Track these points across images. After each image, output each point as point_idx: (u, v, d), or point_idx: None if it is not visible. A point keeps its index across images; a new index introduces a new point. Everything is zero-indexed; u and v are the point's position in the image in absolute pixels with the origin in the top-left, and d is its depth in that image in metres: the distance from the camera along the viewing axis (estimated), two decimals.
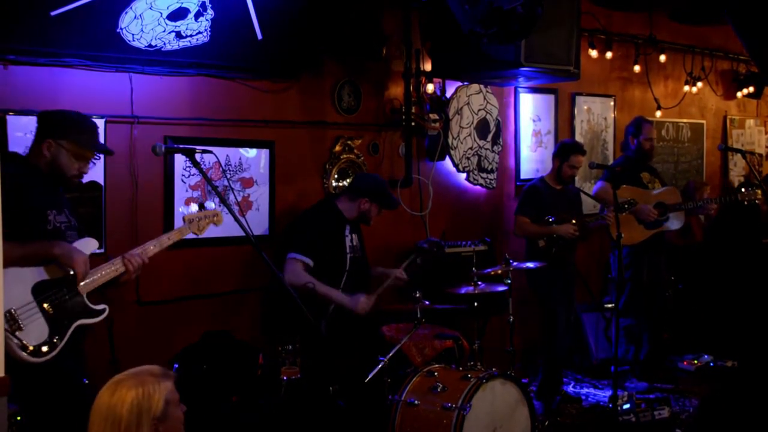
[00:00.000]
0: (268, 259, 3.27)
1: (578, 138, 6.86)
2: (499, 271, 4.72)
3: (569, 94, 6.91)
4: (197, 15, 4.23)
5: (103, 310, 3.23)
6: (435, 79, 5.63)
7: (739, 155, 7.82)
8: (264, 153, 4.91)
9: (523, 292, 5.99)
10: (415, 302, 4.22)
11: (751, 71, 8.44)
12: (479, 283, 4.53)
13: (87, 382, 3.30)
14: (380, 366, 3.95)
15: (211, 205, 3.64)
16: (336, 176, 5.29)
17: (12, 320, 2.88)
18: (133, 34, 4.07)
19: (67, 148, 3.22)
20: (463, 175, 6.04)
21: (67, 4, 3.75)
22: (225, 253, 4.66)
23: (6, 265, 2.55)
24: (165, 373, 2.30)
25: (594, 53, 6.77)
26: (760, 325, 6.22)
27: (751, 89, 8.53)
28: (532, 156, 6.62)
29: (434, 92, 5.63)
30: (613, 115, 7.33)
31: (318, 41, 5.01)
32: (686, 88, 7.92)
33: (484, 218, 6.27)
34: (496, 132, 6.24)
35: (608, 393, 5.60)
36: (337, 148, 5.28)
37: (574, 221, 5.48)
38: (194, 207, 3.65)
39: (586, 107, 7.09)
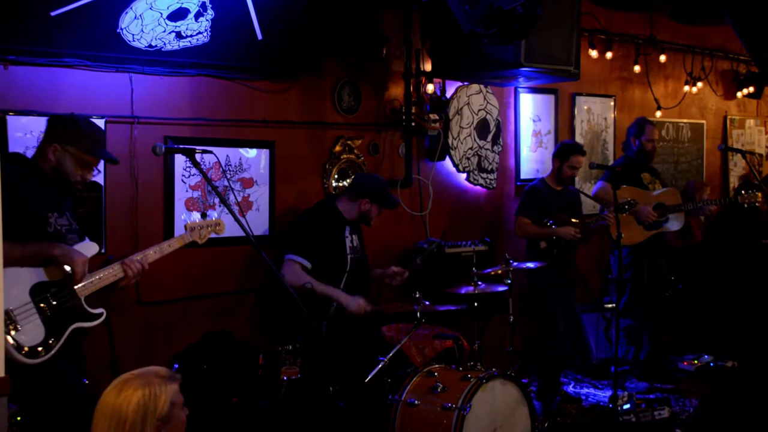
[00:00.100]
0: (268, 259, 3.27)
1: (578, 138, 6.87)
2: (500, 272, 4.72)
3: (569, 95, 6.91)
4: (197, 15, 4.23)
5: (101, 315, 3.22)
6: (435, 80, 5.63)
7: (739, 155, 7.83)
8: (264, 153, 4.91)
9: (523, 293, 6.00)
10: (415, 302, 4.22)
11: (751, 71, 8.44)
12: (479, 283, 4.52)
13: (87, 382, 3.31)
14: (380, 366, 3.95)
15: (213, 214, 3.65)
16: (336, 176, 5.29)
17: (8, 320, 2.87)
18: (133, 35, 4.07)
19: (73, 154, 3.22)
20: (463, 176, 6.04)
21: (67, 5, 3.75)
22: (225, 253, 4.66)
23: (5, 265, 2.55)
24: (171, 375, 2.32)
25: (594, 53, 6.77)
26: (760, 325, 6.22)
27: (751, 89, 8.53)
28: (532, 156, 6.62)
29: (434, 92, 5.62)
30: (613, 116, 7.33)
31: (318, 41, 5.01)
32: (686, 88, 7.92)
33: (485, 218, 6.27)
34: (496, 132, 6.24)
35: (608, 393, 5.60)
36: (337, 148, 5.28)
37: (575, 221, 5.48)
38: (196, 215, 3.66)
39: (586, 107, 7.10)
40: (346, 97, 5.32)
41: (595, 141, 7.17)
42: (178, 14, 4.16)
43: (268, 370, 4.28)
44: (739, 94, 8.63)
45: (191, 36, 4.28)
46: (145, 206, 4.41)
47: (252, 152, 4.86)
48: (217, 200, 4.65)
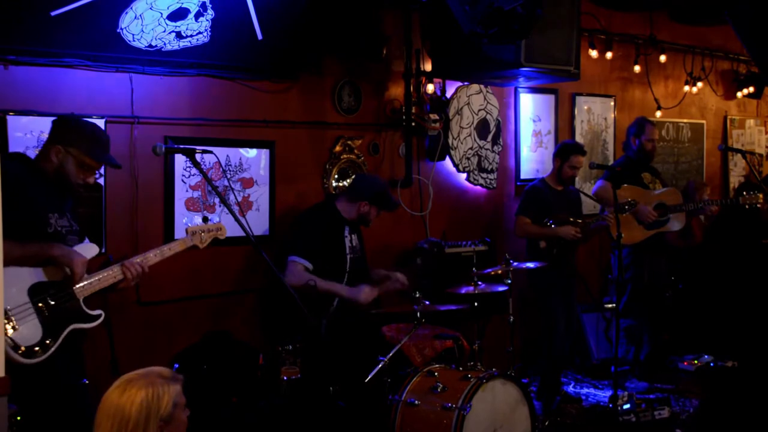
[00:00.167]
0: (268, 259, 3.27)
1: (578, 138, 6.87)
2: (500, 271, 4.72)
3: (569, 95, 6.91)
4: (197, 15, 4.23)
5: (99, 316, 3.22)
6: (435, 80, 5.63)
7: (739, 155, 7.83)
8: (264, 153, 4.91)
9: (523, 293, 6.00)
10: (415, 302, 4.22)
11: (752, 71, 8.43)
12: (479, 283, 4.52)
13: (87, 382, 3.30)
14: (380, 366, 3.95)
15: (215, 217, 3.66)
16: (336, 176, 5.29)
17: (6, 320, 2.87)
18: (133, 35, 4.07)
19: (75, 157, 3.22)
20: (464, 176, 6.04)
21: (67, 5, 3.75)
22: (225, 253, 4.66)
23: (4, 265, 2.55)
24: (174, 375, 2.33)
25: (594, 53, 6.77)
26: (760, 325, 6.22)
27: (752, 89, 8.52)
28: (533, 156, 6.62)
29: (434, 92, 5.62)
30: (613, 116, 7.33)
31: (318, 41, 5.01)
32: (686, 88, 7.92)
33: (485, 218, 6.27)
34: (496, 132, 6.24)
35: (608, 393, 5.60)
36: (338, 148, 5.28)
37: (575, 221, 5.48)
38: (198, 219, 3.67)
39: (586, 107, 7.10)
40: (346, 97, 5.32)
41: (595, 141, 7.17)
42: (178, 14, 4.16)
43: (268, 370, 4.28)
44: (739, 94, 8.63)
45: (191, 36, 4.28)
46: (146, 206, 4.41)
47: (252, 152, 4.86)
48: (217, 200, 4.65)
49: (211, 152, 3.54)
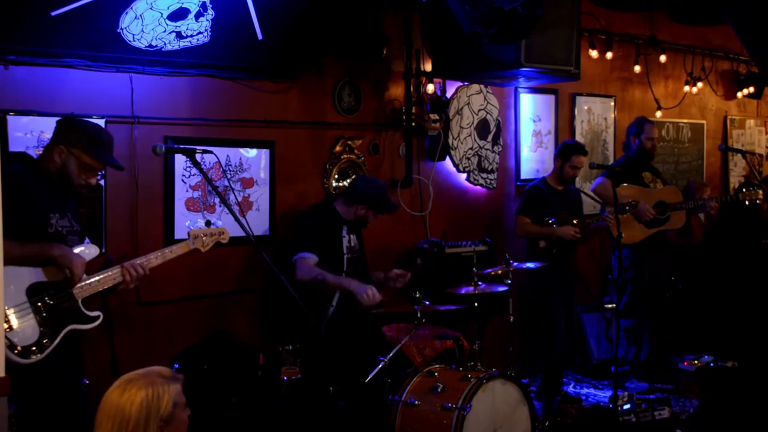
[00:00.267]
0: (268, 259, 3.27)
1: (578, 138, 6.86)
2: (500, 272, 4.72)
3: (569, 95, 6.91)
4: (197, 15, 4.23)
5: (97, 317, 3.21)
6: (435, 80, 5.63)
7: (739, 155, 7.83)
8: (264, 153, 4.91)
9: (523, 293, 6.00)
10: (415, 302, 4.22)
11: (752, 71, 8.44)
12: (479, 283, 4.52)
13: (87, 382, 3.30)
14: (380, 366, 3.95)
15: (218, 222, 3.65)
16: (336, 176, 5.29)
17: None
18: (133, 35, 4.07)
19: (78, 157, 3.22)
20: (464, 176, 6.04)
21: (67, 5, 3.75)
22: (225, 253, 4.66)
23: (4, 264, 2.55)
24: (174, 375, 2.33)
25: (594, 53, 6.77)
26: (760, 325, 6.22)
27: (752, 89, 8.52)
28: (533, 156, 6.62)
29: (434, 92, 5.62)
30: (613, 116, 7.33)
31: (318, 41, 5.01)
32: (686, 88, 7.92)
33: (485, 218, 6.27)
34: (496, 132, 6.24)
35: (608, 393, 5.60)
36: (338, 148, 5.28)
37: (575, 222, 5.48)
38: (200, 222, 3.66)
39: (586, 107, 7.10)
40: (347, 97, 5.32)
41: (595, 141, 7.17)
42: (179, 14, 4.16)
43: (268, 370, 4.28)
44: (739, 95, 8.63)
45: (191, 36, 4.28)
46: (146, 206, 4.41)
47: (252, 152, 4.86)
48: (217, 200, 4.65)
49: (211, 152, 3.53)
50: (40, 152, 3.39)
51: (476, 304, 4.52)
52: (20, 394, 2.95)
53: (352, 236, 4.71)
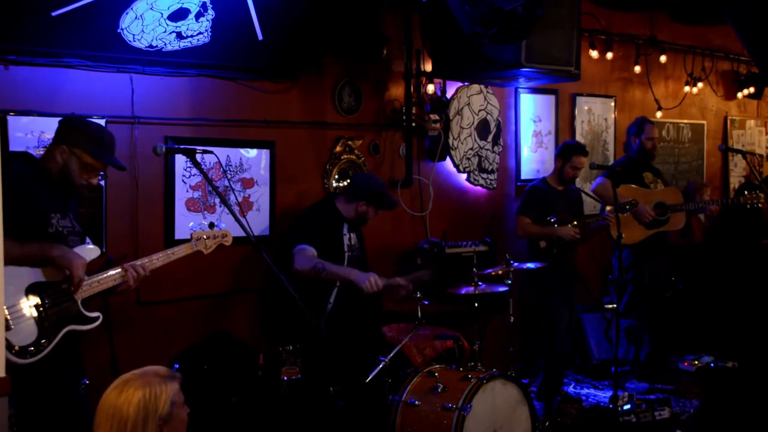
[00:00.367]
0: (268, 259, 3.27)
1: (579, 138, 6.86)
2: (500, 272, 4.72)
3: (570, 95, 6.91)
4: (198, 15, 4.23)
5: (96, 318, 3.21)
6: (435, 80, 5.63)
7: (739, 156, 7.83)
8: (264, 153, 4.91)
9: (523, 293, 6.00)
10: (416, 302, 4.22)
11: (752, 72, 8.44)
12: (480, 283, 4.52)
13: (87, 382, 3.30)
14: (381, 366, 3.95)
15: (221, 224, 3.65)
16: (336, 176, 5.29)
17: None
18: (133, 35, 4.07)
19: (79, 157, 3.22)
20: (464, 176, 6.04)
21: (67, 5, 3.75)
22: (225, 253, 4.65)
23: (4, 264, 2.55)
24: (171, 374, 2.33)
25: (594, 54, 6.77)
26: (760, 325, 6.22)
27: (752, 90, 8.52)
28: (533, 156, 6.62)
29: (435, 93, 5.63)
30: (613, 116, 7.33)
31: (318, 41, 5.01)
32: (687, 88, 7.91)
33: (485, 219, 6.27)
34: (496, 132, 6.24)
35: (609, 393, 5.60)
36: (338, 148, 5.28)
37: (575, 222, 5.48)
38: (204, 224, 3.66)
39: (586, 108, 7.09)
40: (347, 97, 5.32)
41: (595, 141, 7.17)
42: (179, 14, 4.16)
43: (268, 370, 4.28)
44: (739, 95, 8.63)
45: (192, 36, 4.28)
46: (146, 206, 4.41)
47: (252, 152, 4.86)
48: (217, 200, 4.65)
49: (211, 152, 3.53)
50: (41, 152, 3.39)
51: (476, 305, 4.52)
52: (20, 394, 2.95)
53: (352, 234, 4.70)
